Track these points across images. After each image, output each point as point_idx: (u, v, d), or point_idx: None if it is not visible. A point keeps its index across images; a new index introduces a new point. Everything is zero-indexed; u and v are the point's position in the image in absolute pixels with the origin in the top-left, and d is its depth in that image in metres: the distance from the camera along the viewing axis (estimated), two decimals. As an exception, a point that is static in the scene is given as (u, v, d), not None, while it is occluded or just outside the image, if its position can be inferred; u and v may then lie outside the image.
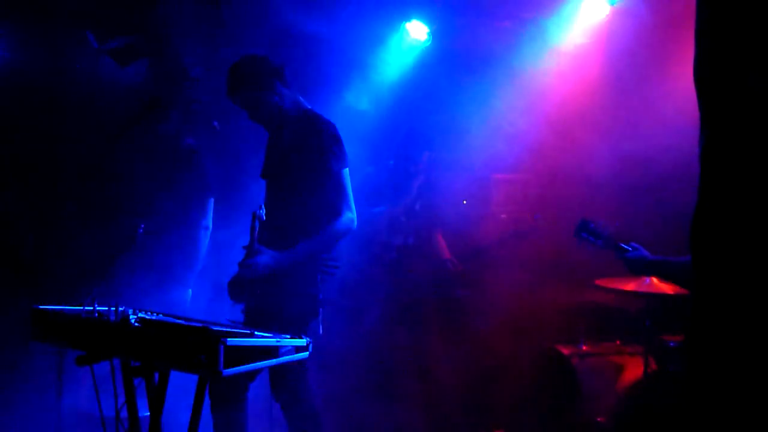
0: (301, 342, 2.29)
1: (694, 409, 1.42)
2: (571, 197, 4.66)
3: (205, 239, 4.23)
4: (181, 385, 2.41)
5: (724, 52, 1.38)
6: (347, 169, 3.33)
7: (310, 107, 3.48)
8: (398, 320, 4.74)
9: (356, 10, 4.60)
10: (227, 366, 1.93)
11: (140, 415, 2.30)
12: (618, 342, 4.31)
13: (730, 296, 1.37)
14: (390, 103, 5.13)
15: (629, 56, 4.47)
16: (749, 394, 1.34)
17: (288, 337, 2.26)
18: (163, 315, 2.43)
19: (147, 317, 2.28)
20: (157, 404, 2.14)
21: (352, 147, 3.40)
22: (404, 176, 5.03)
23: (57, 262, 4.16)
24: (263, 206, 3.17)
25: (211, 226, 4.26)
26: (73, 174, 4.35)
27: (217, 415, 3.22)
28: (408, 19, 5.10)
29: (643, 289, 3.73)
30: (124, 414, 2.29)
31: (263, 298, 3.20)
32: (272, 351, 2.18)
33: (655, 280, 3.74)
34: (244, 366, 2.03)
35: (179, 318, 2.41)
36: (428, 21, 5.09)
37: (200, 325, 2.14)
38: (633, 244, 3.25)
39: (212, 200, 4.27)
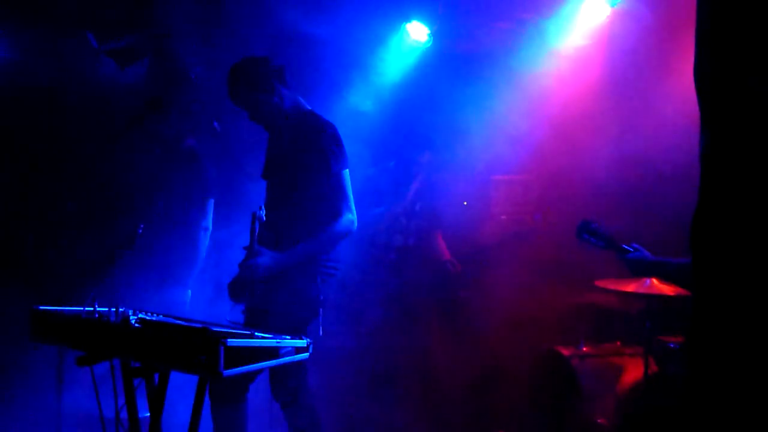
0: (302, 343, 2.29)
1: (695, 410, 1.42)
2: (571, 198, 4.66)
3: (204, 240, 4.23)
4: (181, 386, 2.41)
5: (724, 53, 1.38)
6: (347, 170, 3.33)
7: (310, 108, 3.48)
8: (398, 321, 4.74)
9: (356, 11, 4.60)
10: (227, 367, 1.93)
11: (140, 415, 2.30)
12: (618, 343, 4.31)
13: (730, 297, 1.37)
14: (390, 104, 5.12)
15: (630, 58, 4.47)
16: (750, 396, 1.34)
17: (288, 337, 2.26)
18: (164, 316, 2.43)
19: (147, 318, 2.28)
20: (157, 405, 2.14)
21: (352, 148, 3.40)
22: (405, 178, 5.03)
23: (57, 262, 4.16)
24: (263, 207, 3.18)
25: (210, 226, 4.26)
26: (73, 174, 4.35)
27: (218, 415, 3.22)
28: (408, 20, 5.09)
29: (644, 290, 3.73)
30: (124, 414, 2.28)
31: (263, 299, 3.20)
32: (272, 352, 2.18)
33: (655, 281, 3.74)
34: (245, 367, 2.03)
35: (179, 319, 2.41)
36: (428, 22, 5.09)
37: (200, 325, 2.14)
38: (634, 244, 3.25)
39: (212, 201, 4.27)
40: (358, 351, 4.51)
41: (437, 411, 4.51)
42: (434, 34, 5.13)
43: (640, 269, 3.22)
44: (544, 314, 4.47)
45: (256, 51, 3.54)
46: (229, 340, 1.94)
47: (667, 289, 3.69)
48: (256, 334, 2.15)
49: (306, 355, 2.30)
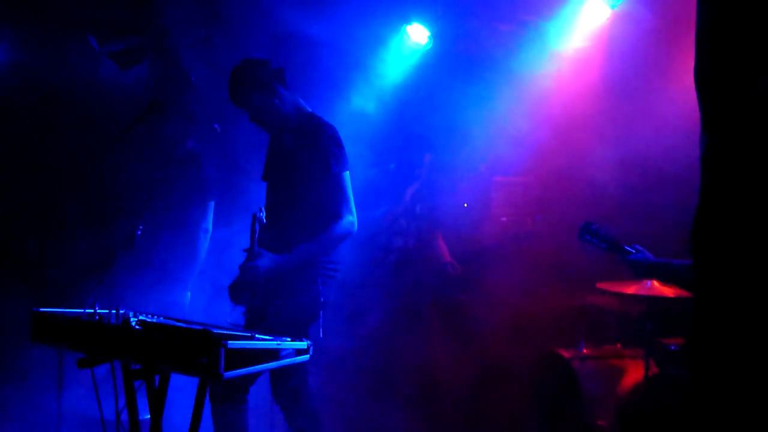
0: (302, 345, 2.29)
1: (697, 412, 1.42)
2: (572, 200, 4.65)
3: (204, 242, 4.23)
4: (182, 388, 2.41)
5: (724, 55, 1.38)
6: (348, 172, 3.33)
7: (310, 110, 3.48)
8: (398, 323, 4.73)
9: (356, 12, 4.60)
10: (228, 369, 1.93)
11: (141, 417, 2.30)
12: (618, 345, 4.31)
13: (731, 299, 1.37)
14: (391, 106, 5.12)
15: (630, 59, 4.47)
16: (752, 397, 1.34)
17: (289, 339, 2.26)
18: (164, 317, 2.42)
19: (148, 320, 2.28)
20: (157, 407, 2.14)
21: (353, 150, 3.40)
22: (406, 179, 5.03)
23: (57, 263, 4.16)
24: (263, 209, 3.18)
25: (211, 228, 4.26)
26: (73, 176, 4.35)
27: (218, 417, 3.22)
28: (408, 22, 5.09)
29: (644, 292, 3.73)
30: (124, 417, 2.28)
31: (264, 300, 3.20)
32: (273, 354, 2.18)
33: (655, 283, 3.74)
34: (245, 369, 2.02)
35: (180, 321, 2.41)
36: (429, 24, 5.09)
37: (201, 327, 2.13)
38: (636, 246, 3.25)
39: (213, 203, 4.27)
40: (359, 352, 4.51)
41: (437, 413, 4.51)
42: (434, 36, 5.13)
43: (642, 271, 3.22)
44: (545, 316, 4.47)
45: (257, 52, 3.55)
46: (229, 342, 1.94)
47: (667, 292, 3.69)
48: (256, 336, 2.15)
49: (306, 356, 2.30)
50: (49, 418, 3.65)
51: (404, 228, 5.00)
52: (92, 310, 2.28)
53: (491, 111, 4.73)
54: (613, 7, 4.63)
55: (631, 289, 3.76)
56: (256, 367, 2.11)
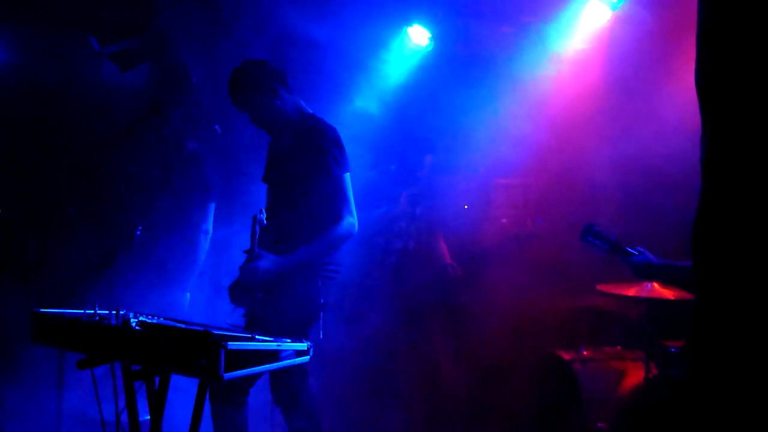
0: (302, 346, 2.29)
1: (698, 414, 1.42)
2: (573, 202, 4.66)
3: (204, 243, 4.23)
4: (182, 389, 2.40)
5: (725, 56, 1.38)
6: (348, 173, 3.33)
7: (311, 111, 3.48)
8: (398, 324, 4.73)
9: (357, 14, 4.60)
10: (228, 370, 1.93)
11: (141, 418, 2.29)
12: (619, 347, 4.30)
13: (732, 301, 1.37)
14: (392, 107, 5.13)
15: (630, 61, 4.47)
16: (752, 399, 1.33)
17: (289, 341, 2.26)
18: (164, 318, 2.42)
19: (148, 321, 2.28)
20: (157, 408, 2.14)
21: (353, 151, 3.40)
22: (406, 181, 5.03)
23: (57, 263, 4.16)
24: (264, 210, 3.17)
25: (211, 230, 4.26)
26: (73, 176, 4.35)
27: (218, 418, 3.22)
28: (409, 23, 5.10)
29: (644, 294, 3.73)
30: (124, 418, 2.28)
31: (264, 302, 3.20)
32: (273, 355, 2.17)
33: (656, 285, 3.74)
34: (245, 370, 2.02)
35: (180, 321, 2.41)
36: (429, 25, 5.09)
37: (201, 328, 2.13)
38: (638, 248, 3.25)
39: (213, 204, 4.27)
40: (359, 354, 4.51)
41: (438, 414, 4.50)
42: (435, 38, 5.13)
43: (644, 272, 3.22)
44: (545, 318, 4.47)
45: (257, 54, 3.55)
46: (229, 343, 1.93)
47: (668, 293, 3.69)
48: (256, 337, 2.14)
49: (306, 358, 2.29)
50: (49, 418, 3.65)
51: (404, 229, 5.00)
52: (92, 311, 2.27)
53: (492, 112, 4.73)
54: (613, 8, 4.63)
55: (631, 291, 3.76)
56: (256, 368, 2.10)
